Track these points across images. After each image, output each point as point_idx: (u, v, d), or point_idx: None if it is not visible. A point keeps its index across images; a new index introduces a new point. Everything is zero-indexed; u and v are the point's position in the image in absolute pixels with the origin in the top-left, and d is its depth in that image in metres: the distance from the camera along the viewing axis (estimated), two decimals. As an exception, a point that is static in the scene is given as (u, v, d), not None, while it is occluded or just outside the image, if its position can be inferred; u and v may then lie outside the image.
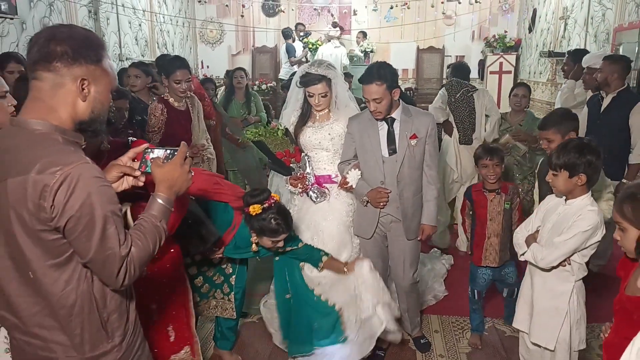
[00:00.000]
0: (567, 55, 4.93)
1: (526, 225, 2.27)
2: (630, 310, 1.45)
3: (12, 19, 4.43)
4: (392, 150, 2.49)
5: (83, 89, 1.15)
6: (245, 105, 4.98)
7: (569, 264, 2.03)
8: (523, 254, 2.15)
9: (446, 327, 3.12)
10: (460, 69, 4.48)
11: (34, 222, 1.06)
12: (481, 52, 9.17)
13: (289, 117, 2.77)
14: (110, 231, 1.10)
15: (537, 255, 2.05)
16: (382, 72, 2.39)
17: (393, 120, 2.50)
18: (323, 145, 2.64)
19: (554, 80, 7.09)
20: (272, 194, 2.18)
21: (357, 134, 2.54)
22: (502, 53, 8.69)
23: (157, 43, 7.85)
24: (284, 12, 9.26)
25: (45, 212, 1.05)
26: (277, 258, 2.55)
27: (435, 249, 4.04)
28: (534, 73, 8.02)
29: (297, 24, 8.94)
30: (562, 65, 4.97)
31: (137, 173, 1.29)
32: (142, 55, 7.18)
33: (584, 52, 4.58)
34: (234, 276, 2.46)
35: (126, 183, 1.30)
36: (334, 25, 8.58)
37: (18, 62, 3.34)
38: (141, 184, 1.31)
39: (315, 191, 2.64)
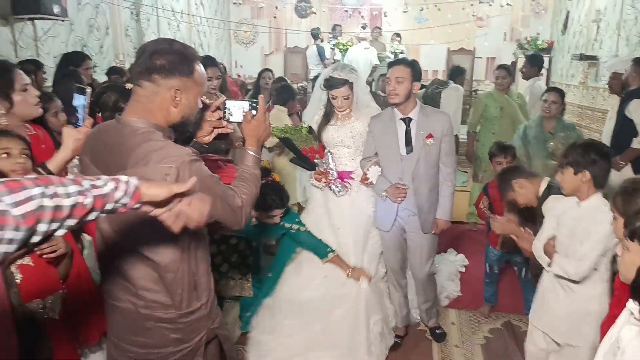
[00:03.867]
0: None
1: (540, 234, 2.17)
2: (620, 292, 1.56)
3: (62, 20, 4.77)
4: (410, 149, 2.63)
5: (175, 98, 1.35)
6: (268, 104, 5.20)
7: (596, 269, 1.96)
8: (549, 266, 2.03)
9: (462, 320, 3.24)
10: (452, 71, 5.67)
11: None
12: (513, 54, 9.13)
13: (312, 115, 2.95)
14: (224, 193, 1.37)
15: (567, 269, 1.95)
16: (411, 61, 2.69)
17: (410, 120, 2.65)
18: (345, 142, 2.80)
19: (585, 83, 7.02)
20: (271, 174, 2.41)
21: (377, 133, 2.70)
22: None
23: (194, 43, 8.16)
24: (315, 13, 9.46)
25: None
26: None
27: (451, 249, 4.13)
28: (566, 75, 7.95)
29: (335, 25, 9.13)
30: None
31: (224, 123, 1.57)
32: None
33: None
34: (250, 258, 2.68)
35: (214, 133, 1.59)
36: (364, 26, 8.71)
37: (89, 59, 3.86)
38: (230, 131, 1.61)
39: (338, 185, 2.81)
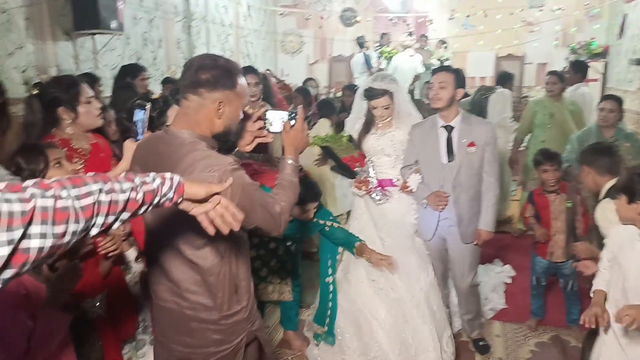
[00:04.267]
0: None
1: (599, 278, 1.94)
2: None
3: (119, 35, 5.05)
4: (451, 157, 2.62)
5: (219, 110, 1.44)
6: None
7: None
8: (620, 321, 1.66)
9: (508, 332, 3.15)
10: (500, 76, 5.72)
11: None
12: (565, 59, 8.80)
13: (353, 124, 2.98)
14: (263, 200, 1.44)
15: None
16: (455, 69, 2.75)
17: (452, 128, 2.63)
18: (385, 151, 2.81)
19: (644, 88, 6.68)
20: (303, 169, 2.47)
21: (418, 141, 2.69)
22: (588, 60, 8.30)
23: (241, 53, 8.41)
24: (359, 22, 9.51)
25: None
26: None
27: (497, 260, 4.03)
28: (623, 81, 7.59)
29: (383, 34, 9.16)
30: None
31: (264, 133, 1.64)
32: (227, 66, 7.74)
33: None
34: (289, 262, 2.73)
35: (255, 142, 1.66)
36: (410, 34, 8.68)
37: (145, 71, 4.01)
38: (269, 140, 1.68)
39: (379, 193, 2.81)
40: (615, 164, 2.44)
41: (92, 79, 3.75)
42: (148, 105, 1.83)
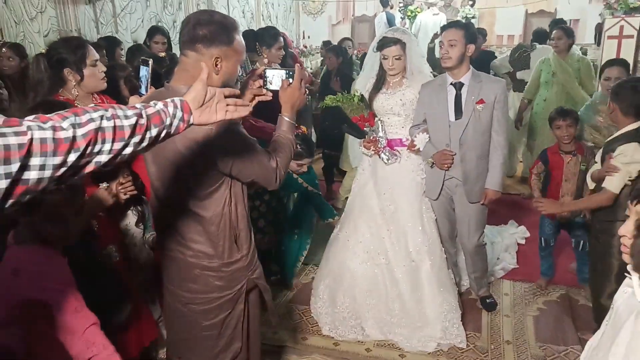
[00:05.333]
0: None
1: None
2: None
3: (137, -2, 5.10)
4: (459, 115, 2.60)
5: (217, 65, 1.48)
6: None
7: None
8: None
9: (517, 291, 3.19)
10: (536, 33, 5.53)
11: (198, 161, 1.45)
12: (599, 14, 8.37)
13: (364, 84, 2.96)
14: (259, 155, 1.51)
15: None
16: (465, 24, 2.71)
17: (461, 85, 2.61)
18: (395, 110, 2.80)
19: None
20: (300, 126, 2.64)
21: (427, 99, 2.68)
22: (623, 15, 7.88)
23: (262, 15, 8.33)
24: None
25: (208, 152, 1.43)
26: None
27: (512, 221, 4.01)
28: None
29: None
30: None
31: (263, 91, 1.66)
32: (248, 27, 7.69)
33: None
34: (282, 214, 3.09)
35: (255, 101, 1.68)
36: (434, -9, 8.40)
37: (163, 35, 4.02)
38: (269, 98, 1.66)
39: (387, 153, 2.83)
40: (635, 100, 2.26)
41: (114, 43, 3.85)
42: (150, 61, 1.89)
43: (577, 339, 2.68)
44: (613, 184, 2.26)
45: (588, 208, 2.53)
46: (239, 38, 1.51)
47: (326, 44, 6.65)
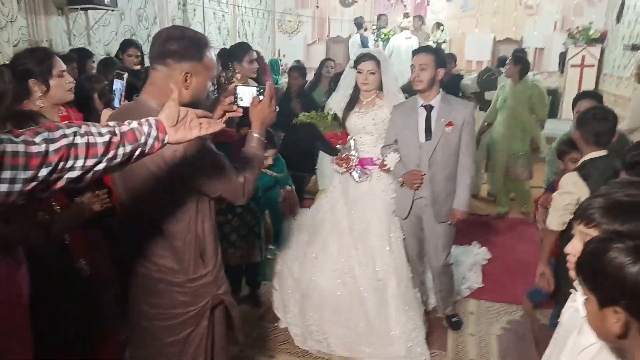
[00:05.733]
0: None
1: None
2: None
3: (113, 10, 5.06)
4: (429, 137, 2.67)
5: (186, 80, 1.48)
6: (328, 93, 5.27)
7: None
8: None
9: (482, 310, 3.25)
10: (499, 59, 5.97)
11: (164, 177, 1.45)
12: (563, 44, 8.78)
13: (339, 103, 3.01)
14: (227, 170, 1.52)
15: None
16: (435, 49, 2.80)
17: (431, 107, 2.69)
18: (367, 129, 2.86)
19: (638, 74, 6.68)
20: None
21: (398, 120, 2.75)
22: (585, 45, 8.29)
23: (238, 32, 8.39)
24: (357, 2, 9.47)
25: (175, 168, 1.43)
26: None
27: (476, 242, 4.11)
28: (618, 67, 7.58)
29: (380, 15, 9.11)
30: None
31: (235, 108, 1.68)
32: (224, 44, 7.73)
33: None
34: (257, 227, 2.93)
35: (226, 117, 1.69)
36: (406, 15, 8.64)
37: (136, 48, 3.99)
38: (239, 114, 1.69)
39: (358, 171, 2.88)
40: (603, 135, 2.28)
41: (85, 55, 3.80)
42: (125, 75, 1.88)
43: (538, 357, 2.74)
44: (551, 221, 2.30)
45: (549, 254, 2.42)
46: (210, 55, 1.53)
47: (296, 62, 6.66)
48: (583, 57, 8.29)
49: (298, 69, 5.02)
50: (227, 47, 7.48)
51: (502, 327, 3.05)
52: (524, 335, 2.96)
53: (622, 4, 7.62)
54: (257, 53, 4.70)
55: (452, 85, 5.45)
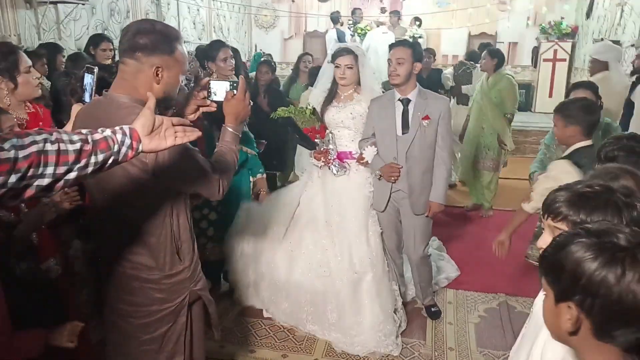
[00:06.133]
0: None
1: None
2: None
3: (83, 4, 4.95)
4: (406, 130, 2.70)
5: (157, 75, 1.45)
6: (306, 87, 5.26)
7: None
8: None
9: (460, 300, 3.31)
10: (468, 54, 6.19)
11: (138, 174, 1.42)
12: (535, 38, 8.95)
13: (317, 97, 3.01)
14: (202, 166, 1.49)
15: None
16: (412, 43, 2.81)
17: (408, 101, 2.71)
18: (345, 123, 2.87)
19: (591, 68, 6.86)
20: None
21: (376, 113, 2.76)
22: (557, 40, 8.46)
23: (214, 27, 8.29)
24: (333, -3, 9.46)
25: (146, 164, 1.40)
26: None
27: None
28: (588, 61, 7.77)
29: (355, 9, 9.11)
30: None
31: (208, 102, 1.66)
32: (199, 39, 7.64)
33: None
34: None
35: (199, 112, 1.68)
36: (383, 10, 8.67)
37: (109, 42, 3.91)
38: (213, 109, 1.68)
39: (337, 165, 2.88)
40: (593, 126, 2.30)
41: (55, 50, 3.71)
42: (96, 69, 1.84)
43: (513, 344, 2.80)
44: (530, 203, 2.30)
45: (513, 229, 2.45)
46: (181, 48, 1.51)
47: (261, 56, 6.50)
48: (555, 51, 8.47)
49: (267, 63, 4.93)
50: (203, 42, 7.45)
51: (479, 316, 3.11)
52: (500, 322, 3.02)
53: (592, 1, 7.80)
54: (233, 49, 4.65)
55: (432, 80, 5.51)
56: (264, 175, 3.02)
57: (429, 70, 5.70)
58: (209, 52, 3.50)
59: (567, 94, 3.15)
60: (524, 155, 6.89)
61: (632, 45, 5.78)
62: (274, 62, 5.26)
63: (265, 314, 3.01)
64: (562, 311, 0.86)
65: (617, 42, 6.47)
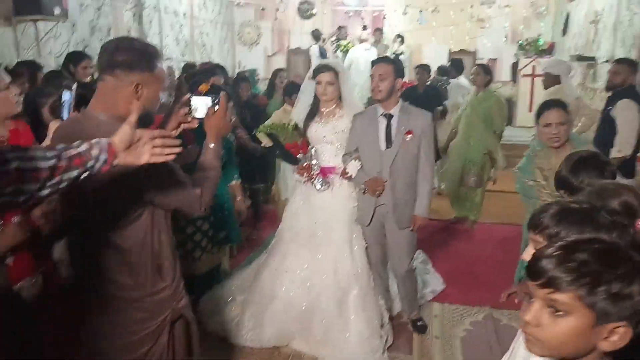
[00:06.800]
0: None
1: None
2: None
3: (64, 22, 4.91)
4: (389, 145, 2.71)
5: (137, 92, 1.44)
6: (282, 104, 5.27)
7: None
8: None
9: (446, 313, 3.30)
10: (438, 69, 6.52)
11: (118, 188, 1.39)
12: (514, 54, 9.15)
13: (299, 113, 3.03)
14: (183, 182, 1.48)
15: None
16: (393, 59, 2.89)
17: (391, 116, 2.73)
18: (328, 139, 2.87)
19: (584, 84, 7.04)
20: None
21: (359, 128, 2.78)
22: (535, 56, 8.67)
23: (197, 44, 8.30)
24: (315, 14, 9.58)
25: (128, 181, 1.37)
26: None
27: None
28: (542, 75, 7.97)
29: (340, 27, 9.24)
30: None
31: (189, 119, 1.66)
32: (182, 56, 7.64)
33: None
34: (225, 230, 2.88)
35: (180, 128, 1.68)
36: (364, 28, 8.81)
37: (89, 59, 3.88)
38: (194, 126, 1.68)
39: (320, 180, 2.88)
40: None
41: (34, 67, 3.66)
42: (74, 86, 1.82)
43: (500, 357, 2.79)
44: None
45: None
46: (160, 66, 1.51)
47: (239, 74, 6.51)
48: (533, 67, 8.65)
49: (245, 78, 4.98)
50: (186, 58, 7.45)
51: (465, 329, 3.11)
52: (486, 335, 3.02)
53: (567, 18, 8.04)
54: (219, 67, 4.65)
55: (429, 95, 5.49)
56: (239, 181, 3.01)
57: (424, 86, 5.75)
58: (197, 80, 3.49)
59: (538, 113, 2.55)
60: (507, 168, 6.98)
61: (607, 61, 5.94)
62: (257, 78, 5.28)
63: (248, 343, 2.85)
64: (602, 332, 0.82)
65: (591, 58, 6.68)
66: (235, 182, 3.03)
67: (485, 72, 4.62)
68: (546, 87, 4.44)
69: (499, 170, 4.87)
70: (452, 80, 6.16)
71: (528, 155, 2.73)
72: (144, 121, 1.54)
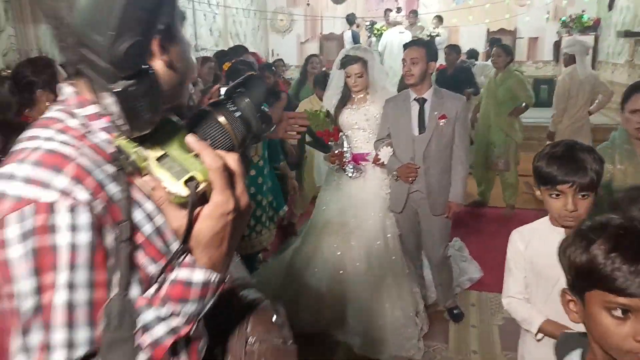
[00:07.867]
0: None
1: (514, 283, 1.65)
2: None
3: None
4: (422, 130, 2.66)
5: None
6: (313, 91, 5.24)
7: None
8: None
9: (483, 302, 3.24)
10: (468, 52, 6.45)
11: None
12: (557, 32, 8.76)
13: (330, 99, 3.01)
14: None
15: None
16: (426, 42, 2.83)
17: (424, 100, 2.67)
18: (359, 125, 2.85)
19: (632, 61, 6.68)
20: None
21: (392, 114, 2.73)
22: (579, 34, 8.26)
23: (230, 33, 8.36)
24: (349, -1, 9.45)
25: None
26: None
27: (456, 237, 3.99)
28: (612, 54, 7.57)
29: (386, 10, 9.05)
30: None
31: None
32: (216, 46, 7.71)
33: None
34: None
35: None
36: (399, 10, 8.62)
37: None
38: None
39: (352, 167, 2.87)
40: None
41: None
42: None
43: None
44: None
45: None
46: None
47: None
48: (577, 45, 8.26)
49: (268, 68, 4.86)
50: (220, 48, 7.51)
51: (503, 317, 3.03)
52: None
53: (614, -9, 7.61)
54: (254, 55, 4.66)
55: (458, 77, 5.41)
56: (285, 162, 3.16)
57: (454, 68, 5.61)
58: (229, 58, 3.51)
59: (625, 97, 2.19)
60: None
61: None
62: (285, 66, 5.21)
63: None
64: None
65: (640, 34, 6.32)
66: (282, 163, 3.08)
67: (507, 53, 4.52)
68: (565, 66, 4.53)
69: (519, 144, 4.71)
70: (478, 63, 6.06)
71: (604, 148, 2.16)
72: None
